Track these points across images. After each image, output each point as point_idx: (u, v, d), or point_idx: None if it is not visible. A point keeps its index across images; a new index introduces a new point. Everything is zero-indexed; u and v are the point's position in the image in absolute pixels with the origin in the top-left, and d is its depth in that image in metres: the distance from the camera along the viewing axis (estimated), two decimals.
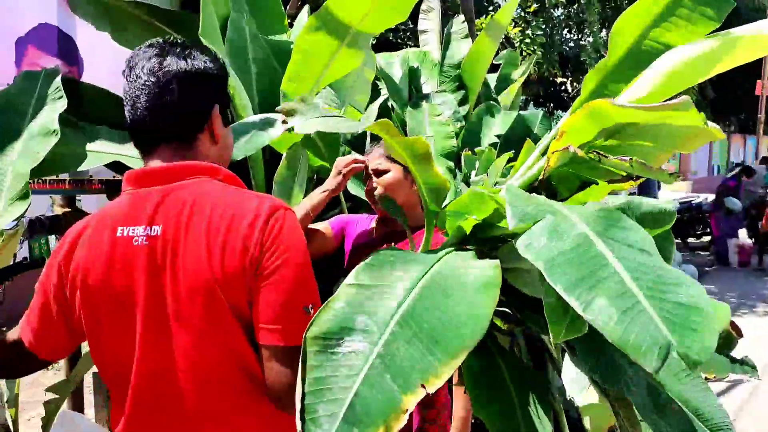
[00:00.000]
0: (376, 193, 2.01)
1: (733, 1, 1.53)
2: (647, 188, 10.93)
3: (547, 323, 1.09)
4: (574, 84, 9.19)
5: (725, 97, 19.61)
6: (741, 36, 1.34)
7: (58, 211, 2.48)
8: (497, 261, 1.24)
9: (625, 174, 1.38)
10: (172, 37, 1.32)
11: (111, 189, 2.54)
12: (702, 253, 10.98)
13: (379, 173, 2.02)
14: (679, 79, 1.37)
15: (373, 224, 2.14)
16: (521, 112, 3.78)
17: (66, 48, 2.46)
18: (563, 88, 9.50)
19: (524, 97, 9.65)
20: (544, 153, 1.58)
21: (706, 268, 9.93)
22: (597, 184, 1.42)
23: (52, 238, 3.21)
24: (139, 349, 1.20)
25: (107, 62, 2.60)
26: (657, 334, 0.93)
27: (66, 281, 1.25)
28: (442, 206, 1.56)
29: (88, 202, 2.72)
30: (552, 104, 9.67)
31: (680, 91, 1.36)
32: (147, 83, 1.24)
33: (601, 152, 1.31)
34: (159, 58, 1.25)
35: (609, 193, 1.44)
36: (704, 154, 23.88)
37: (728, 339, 2.06)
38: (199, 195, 1.22)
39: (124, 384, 1.22)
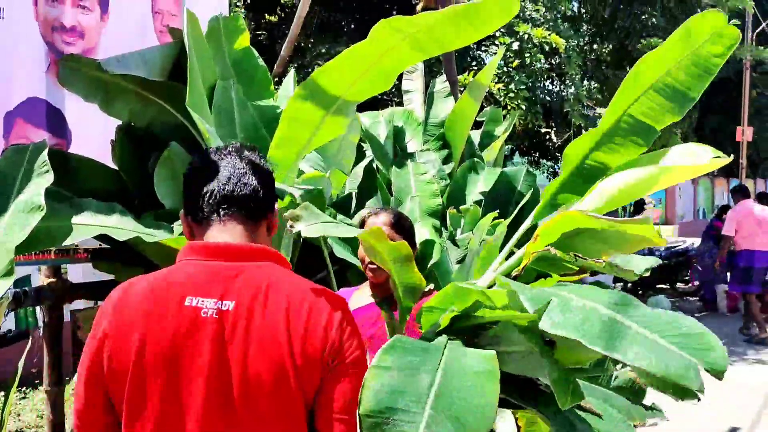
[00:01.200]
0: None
1: (657, 130, 1.85)
2: None
3: (536, 397, 1.35)
4: (558, 134, 9.35)
5: (708, 143, 19.98)
6: (675, 166, 1.72)
7: (44, 281, 2.48)
8: (493, 352, 1.39)
9: (577, 269, 1.70)
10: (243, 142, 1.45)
11: (97, 258, 2.54)
12: (690, 298, 11.01)
13: None
14: (626, 195, 1.75)
15: (359, 294, 2.17)
16: (505, 169, 3.84)
17: (54, 121, 2.49)
18: (548, 137, 9.66)
19: (509, 147, 9.79)
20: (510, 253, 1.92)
21: (695, 314, 9.95)
22: (551, 276, 1.72)
23: (38, 309, 3.20)
24: (196, 422, 1.19)
25: (95, 134, 2.64)
26: (686, 361, 1.20)
27: (109, 347, 1.23)
28: (428, 266, 1.66)
29: (74, 271, 2.71)
30: (537, 153, 9.81)
31: (624, 204, 1.79)
32: (233, 164, 1.35)
33: (579, 255, 1.59)
34: (239, 153, 1.38)
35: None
36: (689, 199, 24.18)
37: (640, 392, 2.39)
38: (273, 278, 1.26)
39: None
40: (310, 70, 6.80)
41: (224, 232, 1.31)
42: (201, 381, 1.19)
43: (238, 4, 7.05)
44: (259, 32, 8.08)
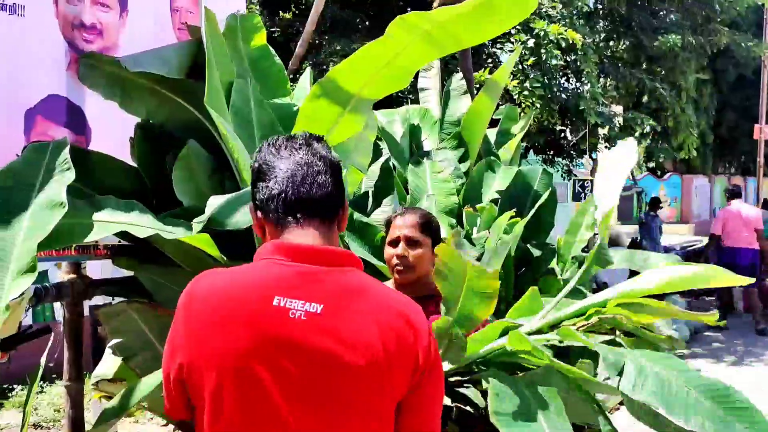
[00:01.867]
0: (404, 262, 2.05)
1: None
2: (649, 233, 10.96)
3: None
4: (573, 132, 9.30)
5: (725, 141, 19.80)
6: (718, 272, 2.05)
7: (64, 277, 2.50)
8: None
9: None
10: (309, 132, 1.40)
11: (116, 254, 2.56)
12: (707, 298, 10.91)
13: (412, 243, 2.06)
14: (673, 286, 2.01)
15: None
16: (521, 168, 3.84)
17: (74, 118, 2.51)
18: (563, 135, 9.59)
19: (524, 145, 9.74)
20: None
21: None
22: None
23: (57, 305, 3.23)
24: (284, 423, 1.18)
25: (115, 130, 2.66)
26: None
27: (190, 345, 1.23)
28: None
29: (93, 267, 2.73)
30: (552, 152, 9.75)
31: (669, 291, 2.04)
32: (306, 161, 1.31)
33: (647, 327, 1.95)
34: (309, 146, 1.34)
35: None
36: (705, 198, 23.94)
37: None
38: (360, 284, 1.26)
39: None
40: (324, 67, 6.81)
41: (304, 236, 1.28)
42: (289, 381, 1.18)
43: (253, 1, 7.08)
44: (274, 29, 8.09)
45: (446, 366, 1.72)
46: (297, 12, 8.36)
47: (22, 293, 1.99)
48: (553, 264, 3.49)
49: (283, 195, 1.28)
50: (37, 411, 5.11)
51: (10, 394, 5.40)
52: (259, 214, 1.34)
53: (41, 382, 5.44)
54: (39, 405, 5.21)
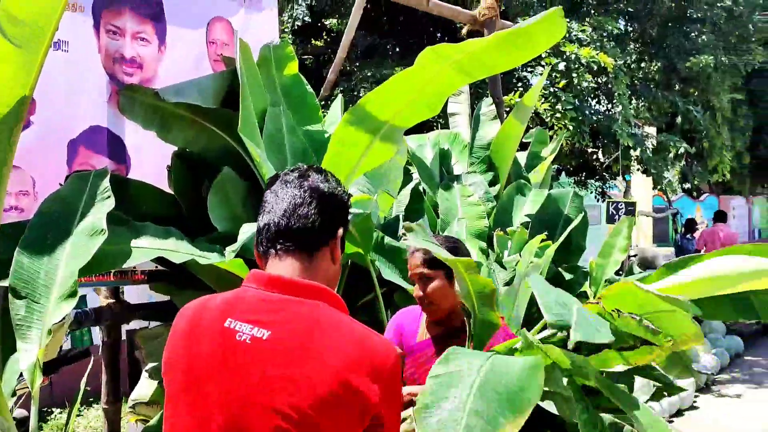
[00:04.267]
0: (425, 301, 2.05)
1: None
2: (683, 252, 10.84)
3: None
4: (606, 154, 9.22)
5: (763, 161, 19.38)
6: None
7: (103, 302, 2.57)
8: (538, 356, 1.58)
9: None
10: (314, 164, 1.45)
11: (153, 279, 2.62)
12: (747, 321, 10.62)
13: (425, 280, 2.05)
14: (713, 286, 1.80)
15: (423, 322, 2.16)
16: (551, 192, 3.82)
17: (115, 148, 2.60)
18: (594, 157, 9.52)
19: (556, 167, 9.71)
20: None
21: (752, 337, 9.60)
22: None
23: (95, 329, 3.30)
24: None
25: (153, 160, 2.74)
26: None
27: (166, 358, 1.32)
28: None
29: (130, 292, 2.81)
30: (584, 174, 9.67)
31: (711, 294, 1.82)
32: (291, 194, 1.35)
33: (651, 325, 1.67)
34: (302, 179, 1.38)
35: None
36: (744, 219, 23.40)
37: None
38: (317, 319, 1.25)
39: None
40: (356, 93, 6.89)
41: (280, 267, 1.32)
42: (227, 398, 1.21)
43: (285, 30, 7.23)
44: (306, 56, 8.24)
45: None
46: (328, 39, 8.52)
47: (63, 317, 2.06)
48: (586, 287, 3.45)
49: (266, 228, 1.34)
50: None
51: (49, 417, 5.51)
52: (255, 249, 1.40)
53: (79, 405, 5.53)
54: (77, 427, 5.30)
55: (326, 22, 7.91)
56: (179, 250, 2.27)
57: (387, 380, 1.22)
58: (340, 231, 1.38)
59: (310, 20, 7.52)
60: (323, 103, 6.71)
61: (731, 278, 1.75)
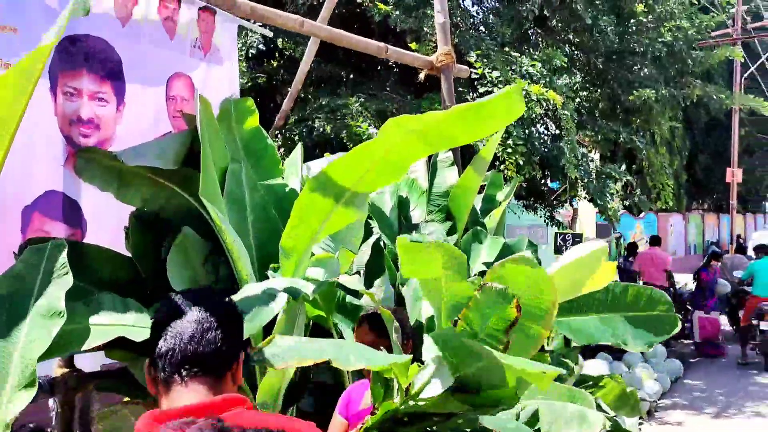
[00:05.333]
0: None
1: None
2: (626, 273, 11.21)
3: None
4: (553, 179, 9.46)
5: (698, 181, 20.27)
6: None
7: (58, 372, 2.49)
8: None
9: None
10: (211, 285, 1.42)
11: (109, 346, 2.55)
12: (685, 341, 11.03)
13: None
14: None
15: (368, 391, 2.23)
16: (507, 240, 3.90)
17: (70, 212, 2.53)
18: (543, 183, 9.76)
19: None
20: None
21: (690, 360, 9.97)
22: None
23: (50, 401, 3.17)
24: None
25: (110, 222, 2.68)
26: None
27: None
28: None
29: (83, 356, 2.72)
30: (532, 198, 9.90)
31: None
32: (198, 318, 1.33)
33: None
34: (204, 301, 1.36)
35: None
36: (680, 235, 24.33)
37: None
38: (244, 423, 1.23)
39: None
40: (310, 122, 6.88)
41: (186, 394, 1.30)
42: None
43: (240, 57, 7.15)
44: (258, 75, 8.16)
45: None
46: (281, 61, 8.45)
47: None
48: None
49: (170, 354, 1.32)
50: None
51: None
52: (152, 369, 1.36)
53: None
54: None
55: (280, 44, 7.85)
56: (139, 325, 2.21)
57: None
58: (242, 355, 1.39)
59: (264, 48, 7.47)
60: (277, 133, 6.67)
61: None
